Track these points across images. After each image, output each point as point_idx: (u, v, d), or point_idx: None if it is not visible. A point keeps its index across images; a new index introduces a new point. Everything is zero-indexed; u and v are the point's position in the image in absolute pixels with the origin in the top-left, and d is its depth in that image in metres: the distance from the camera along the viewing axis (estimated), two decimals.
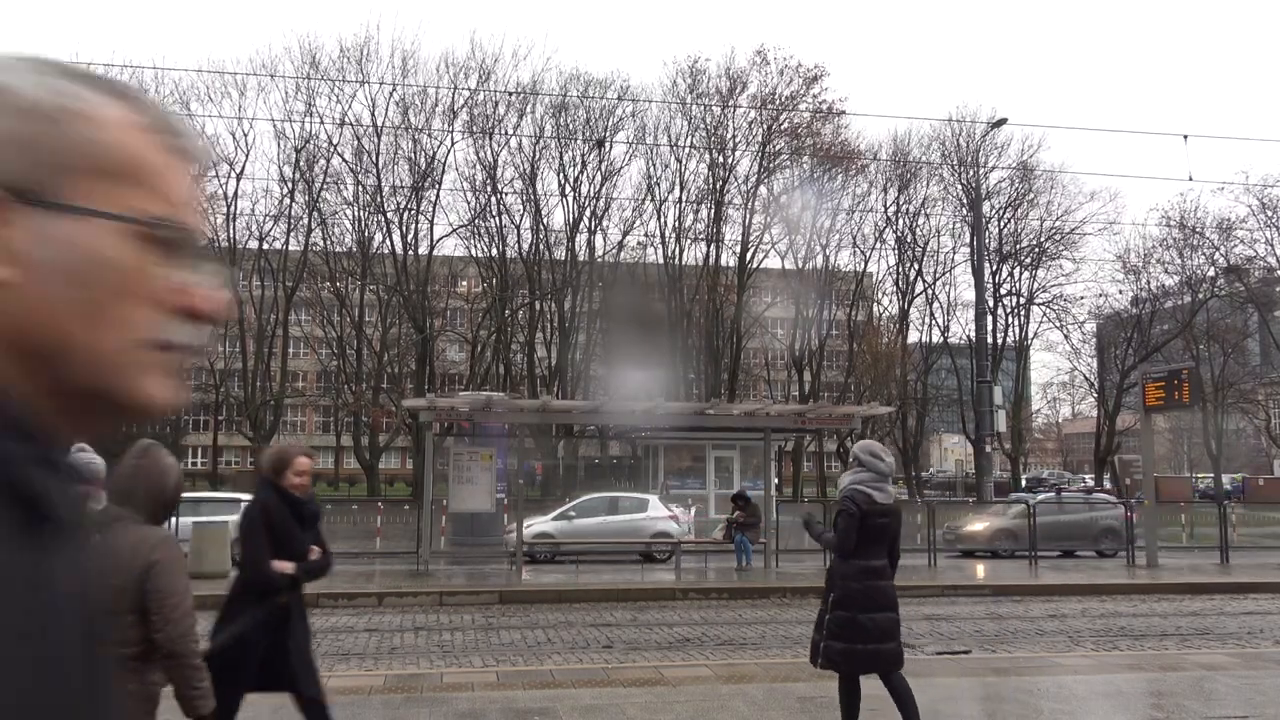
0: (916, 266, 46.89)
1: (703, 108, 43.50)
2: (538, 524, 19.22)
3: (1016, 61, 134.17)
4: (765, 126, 43.58)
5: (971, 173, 42.59)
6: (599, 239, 44.78)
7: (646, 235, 45.36)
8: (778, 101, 43.45)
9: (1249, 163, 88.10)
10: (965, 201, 44.27)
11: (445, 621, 11.65)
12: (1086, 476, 58.79)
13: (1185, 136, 30.50)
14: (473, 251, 44.84)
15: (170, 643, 3.07)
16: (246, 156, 41.83)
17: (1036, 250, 44.86)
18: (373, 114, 41.27)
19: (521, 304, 44.92)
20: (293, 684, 4.46)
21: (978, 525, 21.65)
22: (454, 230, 43.50)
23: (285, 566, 4.46)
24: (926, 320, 48.08)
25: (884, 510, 5.57)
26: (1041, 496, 23.75)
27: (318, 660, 4.88)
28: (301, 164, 41.03)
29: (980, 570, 18.36)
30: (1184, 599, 14.36)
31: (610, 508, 18.87)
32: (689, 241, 45.20)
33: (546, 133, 42.66)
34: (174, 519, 14.75)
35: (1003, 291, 45.91)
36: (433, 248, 43.22)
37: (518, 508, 17.29)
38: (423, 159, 41.85)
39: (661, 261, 45.07)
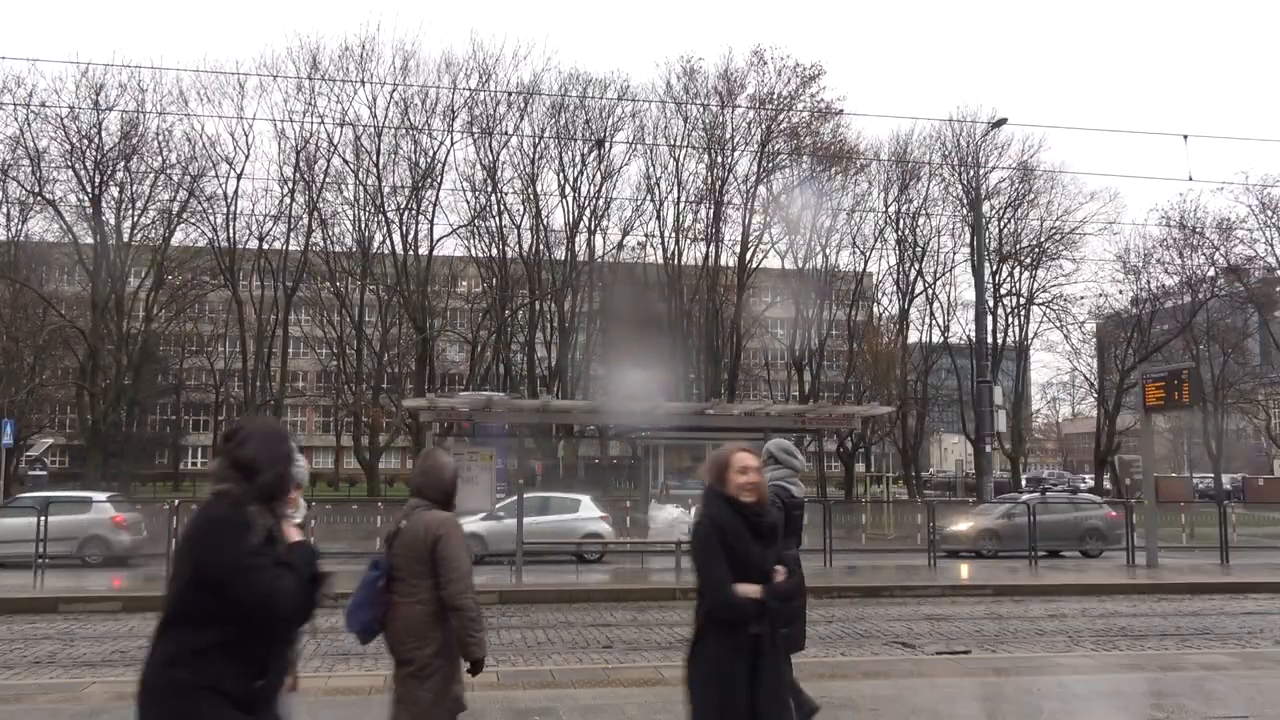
0: (916, 266, 46.86)
1: (701, 107, 43.52)
2: (468, 525, 19.15)
3: (1016, 61, 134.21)
4: (764, 126, 43.58)
5: (972, 173, 42.59)
6: (599, 239, 44.80)
7: (646, 235, 45.37)
8: (776, 101, 43.44)
9: (1249, 163, 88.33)
10: (965, 201, 44.25)
11: None
12: (1086, 477, 58.81)
13: (1185, 136, 30.41)
14: (473, 251, 44.82)
15: (452, 598, 4.12)
16: (246, 156, 41.81)
17: (1036, 250, 44.83)
18: (373, 114, 41.29)
19: (521, 304, 44.90)
20: None
21: (962, 526, 21.58)
22: (454, 230, 43.50)
23: (750, 590, 3.78)
24: (926, 320, 48.08)
25: (799, 503, 6.10)
26: (1025, 497, 23.66)
27: (314, 661, 4.83)
28: (301, 164, 41.02)
29: (969, 570, 18.35)
30: (1184, 599, 14.35)
31: (541, 508, 18.64)
32: (689, 241, 45.20)
33: (546, 133, 42.67)
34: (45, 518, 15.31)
35: (1003, 291, 45.89)
36: (433, 248, 43.23)
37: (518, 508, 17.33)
38: (423, 159, 41.86)
39: (661, 261, 45.06)
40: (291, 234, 42.37)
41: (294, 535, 3.02)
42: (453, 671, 4.23)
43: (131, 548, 17.82)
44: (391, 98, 41.10)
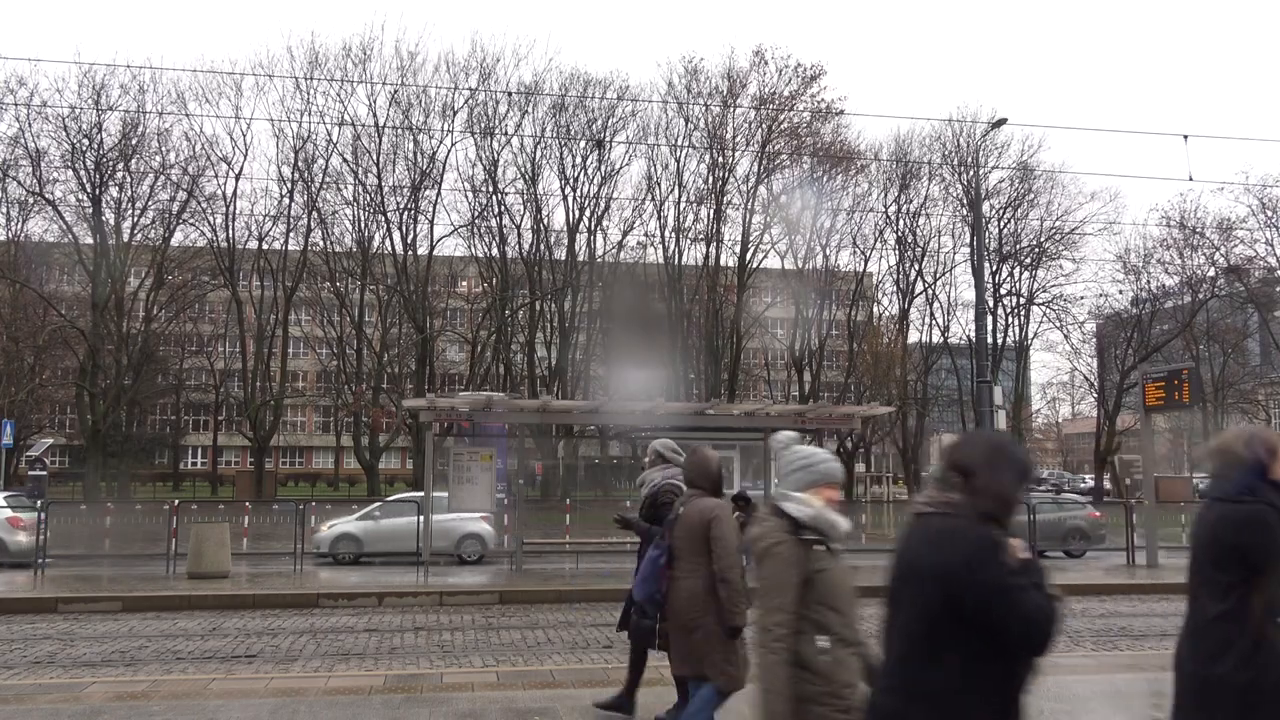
0: (916, 266, 46.90)
1: (702, 107, 43.54)
2: (340, 525, 18.91)
3: (1016, 61, 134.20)
4: (765, 126, 43.60)
5: (971, 173, 42.57)
6: (599, 239, 44.83)
7: (646, 235, 45.41)
8: (777, 101, 43.45)
9: (1249, 163, 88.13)
10: (965, 201, 44.27)
11: (445, 621, 11.65)
12: (1087, 477, 58.82)
13: (1185, 136, 30.34)
14: (473, 251, 44.84)
15: (722, 571, 4.87)
16: (245, 156, 41.93)
17: (1036, 250, 44.86)
18: (373, 113, 41.31)
19: (521, 304, 44.91)
20: None
21: None
22: (454, 230, 43.55)
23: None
24: (926, 320, 48.11)
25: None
26: None
27: (314, 661, 4.80)
28: (300, 164, 41.03)
29: None
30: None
31: (419, 509, 17.78)
32: (689, 241, 45.22)
33: (547, 132, 42.69)
34: None
35: (1003, 291, 45.93)
36: (433, 248, 43.24)
37: (517, 508, 17.33)
38: (423, 159, 41.86)
39: (661, 261, 45.06)
40: (291, 234, 42.42)
41: (1019, 552, 2.58)
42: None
43: (30, 549, 16.88)
44: (392, 97, 41.17)
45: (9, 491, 22.06)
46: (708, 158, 44.10)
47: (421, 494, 21.75)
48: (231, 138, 52.77)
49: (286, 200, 41.79)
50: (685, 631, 4.95)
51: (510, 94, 41.24)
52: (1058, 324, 45.54)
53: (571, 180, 43.30)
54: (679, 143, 43.75)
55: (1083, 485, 57.06)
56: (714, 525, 4.94)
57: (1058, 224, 43.93)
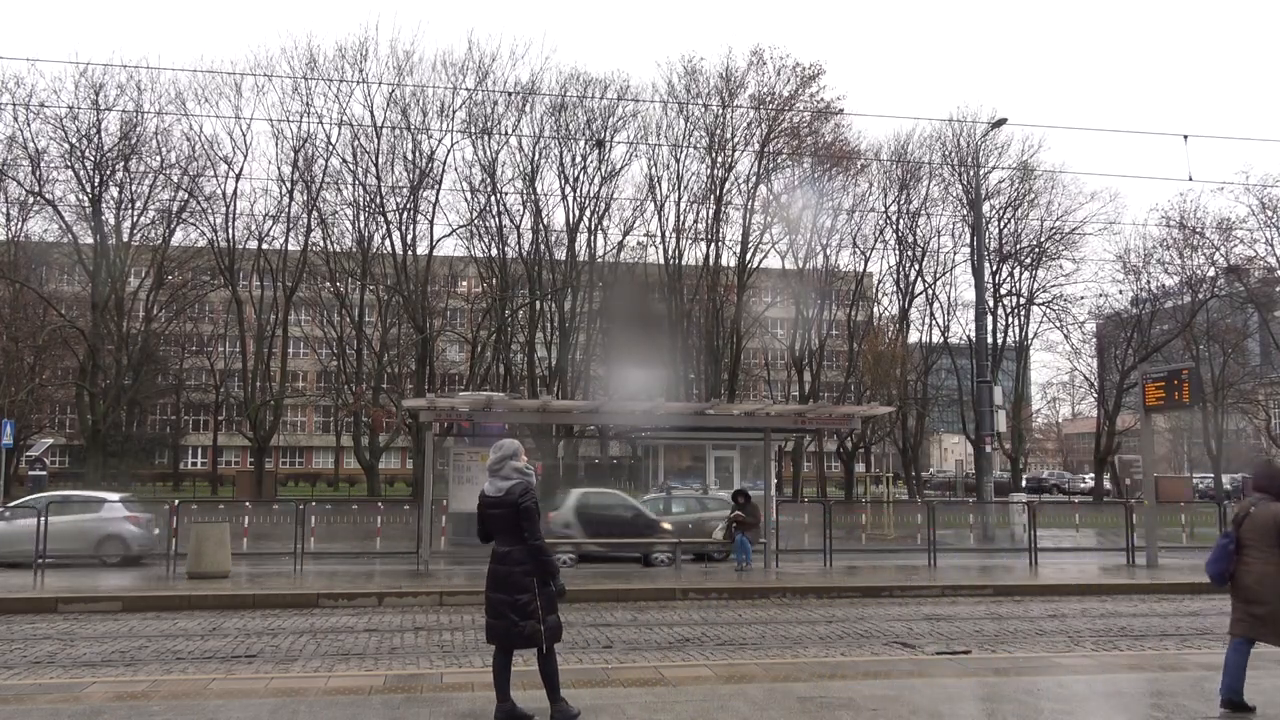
0: (916, 266, 46.88)
1: (702, 108, 43.52)
2: None
3: (1016, 61, 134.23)
4: (764, 126, 43.57)
5: (972, 173, 42.54)
6: (599, 239, 44.79)
7: (647, 235, 45.36)
8: (776, 101, 43.43)
9: (1249, 163, 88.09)
10: (965, 201, 44.25)
11: (445, 621, 11.64)
12: (1087, 477, 58.81)
13: (1185, 136, 30.36)
14: (473, 251, 44.83)
15: None
16: (245, 156, 41.90)
17: (1036, 250, 44.84)
18: (371, 114, 41.30)
19: (521, 304, 44.89)
20: None
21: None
22: (454, 230, 43.54)
23: None
24: (926, 320, 48.10)
25: (492, 502, 6.30)
26: (653, 495, 20.27)
27: (314, 661, 4.78)
28: (300, 164, 41.02)
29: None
30: (1184, 599, 14.34)
31: (59, 508, 16.81)
32: (689, 241, 45.18)
33: (546, 133, 42.66)
34: None
35: (1003, 291, 45.89)
36: (432, 248, 43.23)
37: None
38: (421, 159, 41.84)
39: (661, 261, 45.04)
40: (291, 234, 42.42)
41: None
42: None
43: None
44: (390, 97, 41.16)
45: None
46: (708, 158, 44.10)
47: (72, 493, 20.78)
48: (231, 138, 52.82)
49: (286, 200, 41.83)
50: (1250, 604, 6.22)
51: (509, 94, 41.26)
52: (1058, 324, 45.55)
53: (571, 180, 43.29)
54: (679, 142, 43.76)
55: (1083, 485, 57.05)
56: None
57: (1058, 224, 43.94)
